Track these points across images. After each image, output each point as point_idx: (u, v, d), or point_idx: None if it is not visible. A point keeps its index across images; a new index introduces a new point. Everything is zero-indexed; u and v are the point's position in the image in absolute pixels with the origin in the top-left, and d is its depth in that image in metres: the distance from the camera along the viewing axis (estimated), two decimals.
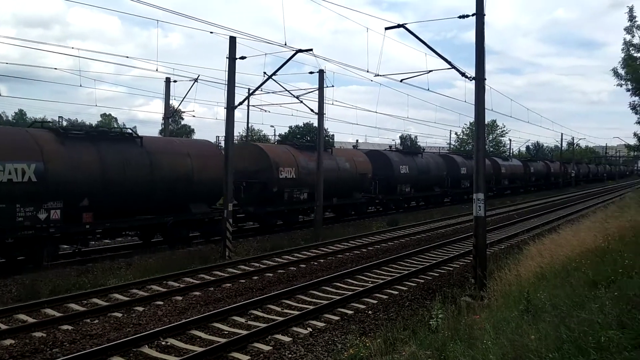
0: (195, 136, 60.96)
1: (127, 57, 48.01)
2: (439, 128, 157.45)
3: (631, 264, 7.36)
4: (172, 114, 33.64)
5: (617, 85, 23.10)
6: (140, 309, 11.22)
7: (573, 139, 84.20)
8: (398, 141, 76.36)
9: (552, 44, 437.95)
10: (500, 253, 16.62)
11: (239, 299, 12.01)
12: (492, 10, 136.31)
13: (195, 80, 24.64)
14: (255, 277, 14.33)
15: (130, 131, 18.83)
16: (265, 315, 10.83)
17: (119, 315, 10.74)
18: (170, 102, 28.49)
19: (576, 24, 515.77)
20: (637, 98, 23.77)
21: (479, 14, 13.58)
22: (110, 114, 76.25)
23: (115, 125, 69.83)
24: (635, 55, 21.52)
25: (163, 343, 9.03)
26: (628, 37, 21.51)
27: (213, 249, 18.14)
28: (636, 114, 24.50)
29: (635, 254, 7.88)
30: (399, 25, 14.58)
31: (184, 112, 33.94)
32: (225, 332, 9.80)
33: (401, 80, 16.73)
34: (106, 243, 19.43)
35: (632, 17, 21.22)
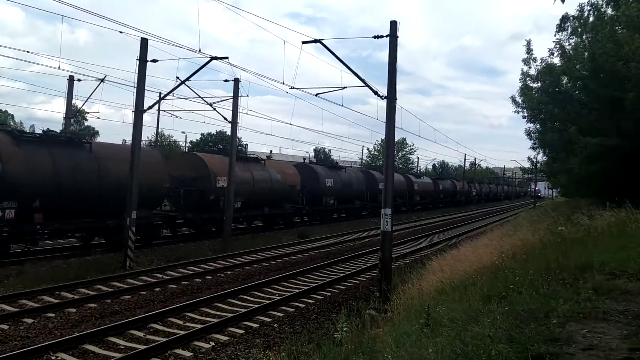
0: (99, 139, 57.92)
1: (28, 52, 44.69)
2: (352, 143, 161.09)
3: (521, 280, 7.79)
4: (74, 114, 31.81)
5: (515, 112, 24.84)
6: (30, 321, 10.50)
7: (475, 159, 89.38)
8: (312, 154, 77.07)
9: (458, 68, 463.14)
10: (404, 267, 17.16)
11: (139, 312, 11.48)
12: (405, 33, 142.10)
13: (102, 80, 23.49)
14: (157, 289, 13.78)
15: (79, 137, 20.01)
16: (166, 329, 10.41)
17: (5, 327, 9.99)
18: (74, 102, 26.97)
19: (480, 52, 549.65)
20: (531, 125, 25.65)
21: (392, 36, 14.11)
22: (6, 111, 70.75)
23: (12, 123, 65.00)
24: (531, 85, 23.20)
25: (53, 358, 8.45)
26: (525, 68, 23.22)
27: (113, 258, 17.26)
28: (530, 139, 26.46)
29: (525, 271, 8.37)
30: (315, 40, 14.79)
31: (88, 112, 32.20)
32: (122, 347, 9.30)
33: (316, 94, 16.96)
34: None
35: (529, 50, 22.93)
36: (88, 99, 25.18)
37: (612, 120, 18.95)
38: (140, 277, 15.08)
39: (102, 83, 23.73)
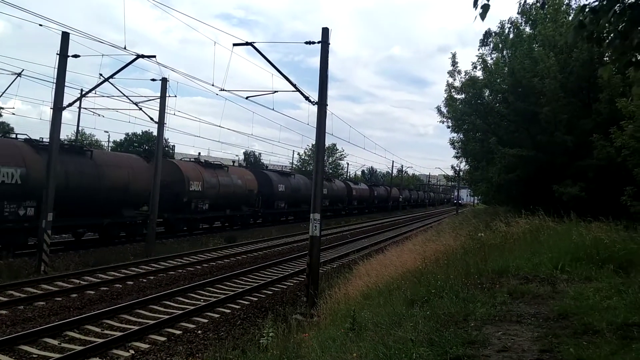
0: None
1: None
2: (283, 147, 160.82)
3: (443, 285, 8.05)
4: None
5: (440, 121, 25.69)
6: None
7: (402, 166, 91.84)
8: (242, 157, 76.34)
9: (388, 77, 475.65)
10: (332, 272, 17.26)
11: (53, 319, 10.89)
12: (336, 40, 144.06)
13: (19, 74, 22.16)
14: (74, 295, 13.11)
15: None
16: (83, 337, 9.92)
17: None
18: None
19: (409, 62, 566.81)
20: (455, 135, 26.64)
21: (324, 42, 14.22)
22: None
23: None
24: (455, 96, 24.09)
25: None
26: (450, 79, 24.07)
27: (26, 262, 16.28)
28: (454, 148, 27.46)
29: (447, 276, 8.66)
30: (247, 43, 14.67)
31: (2, 108, 30.32)
32: (34, 356, 8.79)
33: (247, 98, 16.81)
34: None
35: (454, 63, 23.80)
36: (3, 93, 23.73)
37: (529, 132, 20.03)
38: (55, 282, 14.31)
39: (19, 77, 22.39)
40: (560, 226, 12.85)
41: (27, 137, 19.74)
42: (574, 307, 6.45)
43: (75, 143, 43.53)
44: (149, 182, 22.54)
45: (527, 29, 22.74)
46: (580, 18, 3.46)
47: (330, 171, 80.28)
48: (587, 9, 3.41)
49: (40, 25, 14.42)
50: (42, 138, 19.62)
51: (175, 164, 27.80)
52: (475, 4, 3.54)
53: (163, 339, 10.12)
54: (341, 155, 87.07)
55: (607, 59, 16.04)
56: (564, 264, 8.98)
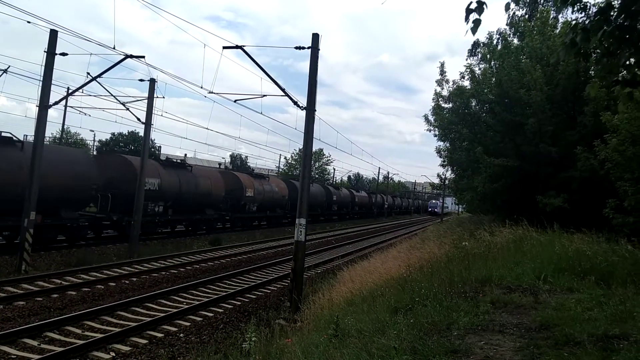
0: None
1: None
2: (269, 151, 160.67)
3: (426, 293, 8.06)
4: None
5: (427, 129, 25.84)
6: None
7: (389, 173, 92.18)
8: (228, 159, 76.11)
9: (375, 84, 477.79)
10: (316, 277, 17.25)
11: (33, 319, 10.74)
12: (325, 46, 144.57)
13: (5, 71, 21.91)
14: (55, 295, 12.95)
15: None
16: (63, 338, 9.80)
17: None
18: None
19: (397, 70, 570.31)
20: (442, 143, 26.80)
21: (314, 48, 14.26)
22: None
23: None
24: (443, 105, 24.26)
25: None
26: (438, 88, 24.25)
27: (6, 261, 16.05)
28: (440, 157, 27.60)
29: (431, 284, 8.69)
30: (237, 47, 14.67)
31: None
32: (13, 357, 8.67)
33: (235, 101, 16.78)
34: None
35: (442, 72, 23.98)
36: None
37: (514, 143, 20.23)
38: (36, 282, 14.13)
39: (4, 74, 22.16)
40: (544, 237, 12.95)
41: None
42: (555, 318, 6.50)
43: (61, 142, 43.09)
44: (222, 189, 31.17)
45: (515, 41, 23.01)
46: (571, 36, 3.52)
47: (317, 176, 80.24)
48: (578, 28, 3.47)
49: (29, 22, 14.39)
50: (27, 136, 19.31)
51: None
52: (467, 19, 3.58)
53: (145, 341, 10.03)
54: (328, 160, 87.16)
55: (593, 72, 16.34)
56: (546, 275, 9.05)
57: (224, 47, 14.91)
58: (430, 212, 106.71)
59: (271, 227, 39.77)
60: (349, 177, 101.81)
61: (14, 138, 18.60)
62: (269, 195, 38.73)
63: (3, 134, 17.94)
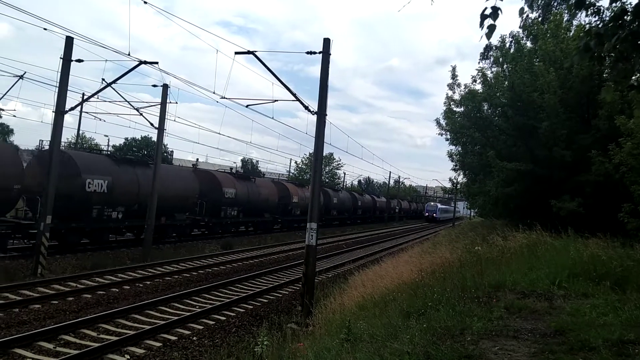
0: (14, 138, 54.41)
1: None
2: (280, 155, 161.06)
3: (439, 298, 8.06)
4: None
5: (439, 134, 25.79)
6: None
7: (399, 177, 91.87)
8: (240, 164, 76.36)
9: (385, 88, 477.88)
10: (327, 281, 17.25)
11: (49, 322, 10.86)
12: (336, 50, 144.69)
13: (21, 77, 22.21)
14: (71, 298, 13.08)
15: None
16: (78, 341, 9.89)
17: None
18: None
19: (407, 74, 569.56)
20: (454, 147, 26.72)
21: (325, 53, 14.29)
22: None
23: None
24: (454, 109, 24.20)
25: None
26: (450, 92, 24.19)
27: (23, 264, 16.24)
28: (452, 161, 27.52)
29: (443, 289, 8.67)
30: (249, 52, 14.75)
31: (2, 109, 30.35)
32: None
33: (247, 106, 16.85)
34: None
35: (454, 76, 23.92)
36: (4, 95, 23.81)
37: (527, 146, 20.12)
38: (52, 285, 14.27)
39: (20, 80, 22.46)
40: (558, 241, 12.87)
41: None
42: (570, 324, 6.46)
43: (76, 146, 43.53)
44: (276, 197, 37.79)
45: (528, 44, 22.89)
46: (585, 41, 3.52)
47: (327, 180, 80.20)
48: (592, 33, 3.47)
49: (45, 29, 14.50)
50: (42, 141, 19.51)
51: (285, 185, 38.57)
52: (481, 25, 3.60)
53: (158, 344, 10.10)
54: (338, 164, 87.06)
55: (607, 76, 16.21)
56: (561, 280, 9.01)
57: (236, 53, 15.02)
58: (427, 218, 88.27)
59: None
60: (359, 181, 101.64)
61: (149, 161, 24.77)
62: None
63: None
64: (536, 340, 5.98)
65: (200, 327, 11.56)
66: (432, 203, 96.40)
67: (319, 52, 14.36)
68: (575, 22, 21.16)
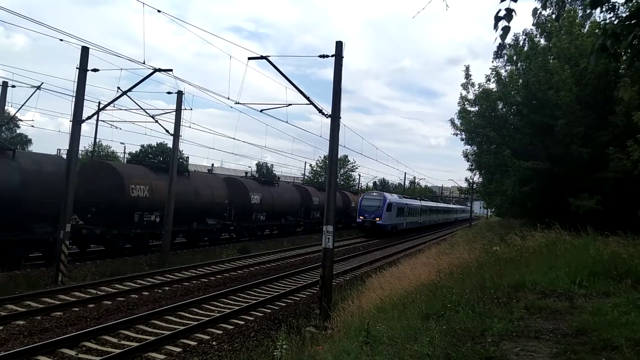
0: (32, 147, 55.11)
1: None
2: (294, 159, 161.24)
3: (458, 299, 8.01)
4: (7, 122, 30.38)
5: (454, 134, 25.61)
6: None
7: (415, 178, 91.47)
8: (254, 168, 76.61)
9: (397, 89, 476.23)
10: (345, 284, 17.23)
11: (70, 330, 10.99)
12: (347, 53, 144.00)
13: (38, 87, 22.55)
14: (91, 305, 13.23)
15: None
16: (99, 348, 10.00)
17: None
18: (6, 109, 25.75)
19: (419, 74, 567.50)
20: (469, 147, 26.52)
21: (338, 56, 14.30)
22: None
23: None
24: (469, 108, 24.06)
25: None
26: (464, 92, 24.06)
27: (44, 272, 16.45)
28: (468, 161, 27.30)
29: (462, 290, 8.62)
30: (262, 57, 14.80)
31: (21, 120, 30.81)
32: None
33: (261, 110, 16.90)
34: None
35: (468, 75, 23.79)
36: (23, 105, 24.17)
37: (543, 145, 19.93)
38: (72, 292, 14.45)
39: (38, 90, 22.81)
40: (577, 240, 12.73)
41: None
42: (592, 323, 6.40)
43: (93, 154, 44.09)
44: (298, 200, 39.33)
45: (542, 41, 22.68)
46: (601, 41, 3.49)
47: (342, 183, 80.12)
48: (608, 32, 3.44)
49: (61, 40, 14.70)
50: (60, 150, 19.78)
51: (306, 188, 39.35)
52: (495, 27, 3.59)
53: (178, 349, 10.18)
54: (352, 166, 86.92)
55: (623, 71, 16.01)
56: (581, 279, 8.91)
57: (249, 58, 15.09)
58: (362, 226, 43.49)
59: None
60: (374, 182, 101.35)
61: (185, 173, 26.75)
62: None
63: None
64: (558, 340, 5.92)
65: (219, 332, 11.62)
66: (374, 193, 48.40)
67: (332, 55, 14.37)
68: (589, 19, 20.91)
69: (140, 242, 23.50)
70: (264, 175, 66.11)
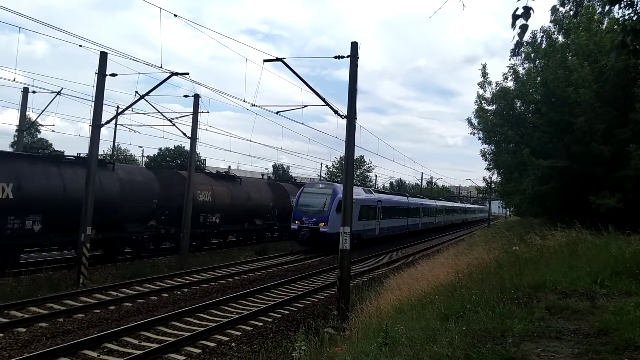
0: None
1: None
2: (310, 160, 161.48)
3: (477, 300, 7.93)
4: (28, 127, 30.89)
5: (471, 133, 25.42)
6: None
7: (432, 178, 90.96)
8: (271, 170, 76.86)
9: (413, 88, 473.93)
10: (362, 285, 17.21)
11: (92, 331, 11.14)
12: (362, 53, 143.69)
13: (58, 93, 22.92)
14: (112, 307, 13.40)
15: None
16: (121, 349, 10.12)
17: None
18: (28, 114, 26.21)
19: (435, 73, 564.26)
20: (486, 146, 26.29)
21: (353, 56, 14.30)
22: None
23: None
24: (486, 107, 23.85)
25: None
26: (481, 91, 23.86)
27: (65, 275, 16.70)
28: (485, 160, 27.07)
29: (481, 290, 8.54)
30: (277, 59, 14.87)
31: (41, 125, 31.36)
32: None
33: (277, 112, 16.96)
34: None
35: (484, 74, 23.59)
36: (43, 111, 24.62)
37: (563, 143, 19.67)
38: (94, 294, 14.64)
39: (58, 95, 23.18)
40: (599, 239, 12.54)
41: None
42: (614, 323, 6.30)
43: (112, 158, 44.69)
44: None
45: (560, 38, 22.41)
46: (621, 38, 3.45)
47: (359, 183, 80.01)
48: (628, 29, 3.40)
49: (80, 45, 14.92)
50: (80, 153, 20.06)
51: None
52: (513, 25, 3.56)
53: (198, 350, 10.26)
54: (369, 167, 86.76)
55: None
56: (603, 279, 8.77)
57: (265, 60, 15.17)
58: (294, 232, 28.52)
59: None
60: (390, 183, 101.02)
61: (236, 177, 31.13)
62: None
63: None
64: (579, 340, 5.85)
65: (238, 333, 11.68)
66: (320, 185, 33.34)
67: (347, 56, 14.37)
68: (607, 16, 20.60)
69: (203, 241, 26.96)
70: (280, 177, 66.34)
